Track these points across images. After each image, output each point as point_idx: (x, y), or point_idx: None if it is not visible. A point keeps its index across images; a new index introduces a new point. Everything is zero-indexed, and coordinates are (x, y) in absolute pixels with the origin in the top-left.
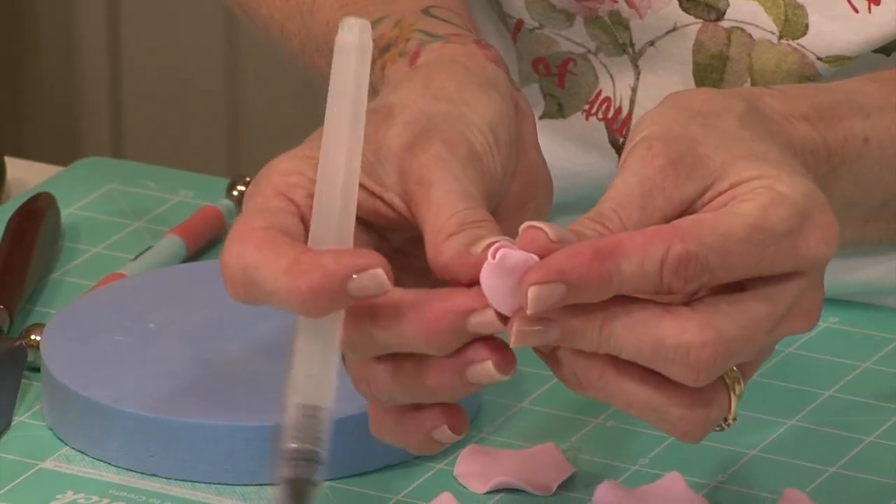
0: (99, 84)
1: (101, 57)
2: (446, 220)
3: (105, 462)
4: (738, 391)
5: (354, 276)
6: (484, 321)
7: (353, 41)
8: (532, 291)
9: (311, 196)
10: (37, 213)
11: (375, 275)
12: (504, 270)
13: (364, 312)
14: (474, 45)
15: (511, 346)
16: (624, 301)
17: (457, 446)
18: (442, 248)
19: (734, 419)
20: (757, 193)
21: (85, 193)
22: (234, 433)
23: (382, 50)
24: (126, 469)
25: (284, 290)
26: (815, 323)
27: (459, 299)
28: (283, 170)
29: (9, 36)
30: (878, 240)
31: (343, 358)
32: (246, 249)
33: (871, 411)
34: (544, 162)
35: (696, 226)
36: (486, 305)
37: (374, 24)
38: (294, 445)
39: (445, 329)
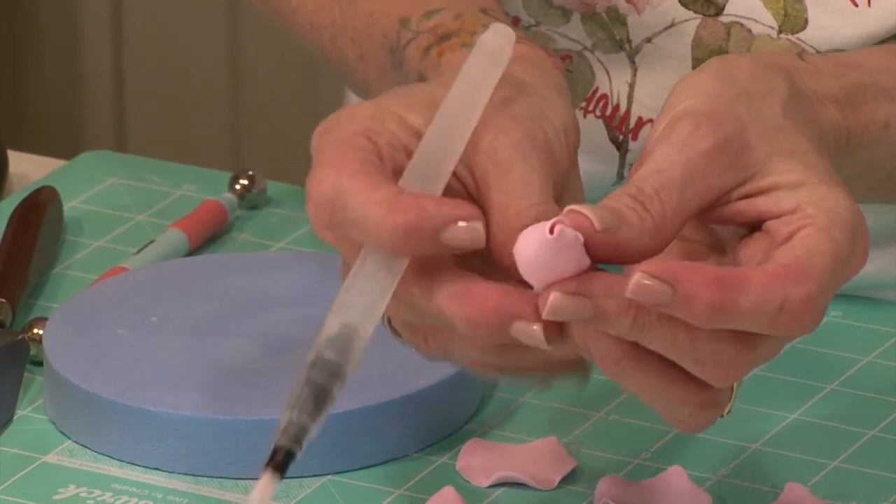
0: (102, 78)
1: (103, 51)
2: (524, 209)
3: (107, 456)
4: (736, 387)
5: (452, 224)
6: (530, 334)
7: (496, 43)
8: (637, 277)
9: (391, 145)
10: (40, 207)
11: (474, 228)
12: (559, 246)
13: (422, 274)
14: (542, 50)
15: (543, 317)
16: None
17: (459, 440)
18: (515, 236)
19: (729, 412)
20: (812, 214)
21: (88, 187)
22: (237, 427)
23: (441, 38)
24: (128, 463)
25: (376, 221)
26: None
27: (510, 302)
28: (367, 115)
29: (12, 30)
30: (875, 201)
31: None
32: (343, 175)
33: (874, 405)
34: (580, 172)
35: (803, 267)
36: (540, 319)
37: (431, 13)
38: (327, 355)
39: (490, 325)
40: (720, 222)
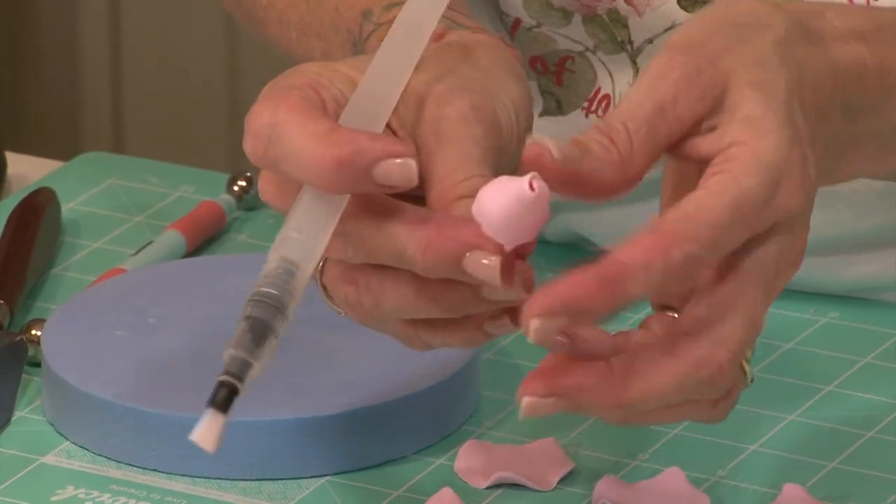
0: (100, 79)
1: (101, 52)
2: (460, 181)
3: (106, 457)
4: (748, 357)
5: (385, 160)
6: (485, 266)
7: None
8: (534, 324)
9: (335, 100)
10: (37, 208)
11: (406, 163)
12: (534, 201)
13: (371, 207)
14: (500, 39)
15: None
16: (627, 365)
17: (456, 442)
18: (451, 207)
19: (752, 379)
20: (731, 159)
21: (86, 188)
22: (235, 428)
23: None
24: (127, 464)
25: (310, 154)
26: (799, 266)
27: (471, 232)
28: (314, 70)
29: (10, 31)
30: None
31: (321, 268)
32: (280, 108)
33: (872, 406)
34: None
35: (685, 222)
36: (498, 252)
37: (392, 5)
38: (264, 289)
39: (446, 252)
40: (685, 157)
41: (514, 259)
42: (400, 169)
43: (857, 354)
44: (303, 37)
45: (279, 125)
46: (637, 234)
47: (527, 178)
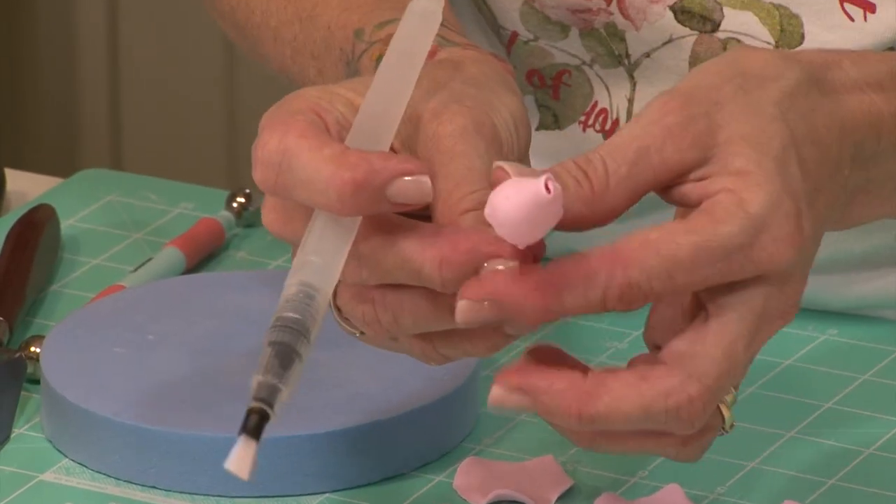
0: (99, 96)
1: (100, 69)
2: (465, 194)
3: (105, 474)
4: (729, 402)
5: (399, 179)
6: (503, 271)
7: (426, 6)
8: (462, 304)
9: (338, 123)
10: (37, 225)
11: (420, 181)
12: (551, 201)
13: (382, 228)
14: (492, 55)
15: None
16: (600, 378)
17: (455, 459)
18: (459, 221)
19: (732, 426)
20: (716, 202)
21: (85, 205)
22: (234, 445)
23: None
24: (126, 481)
25: (324, 178)
26: (792, 318)
27: (484, 241)
28: (314, 94)
29: (9, 49)
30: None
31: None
32: (289, 134)
33: (870, 423)
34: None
35: (639, 249)
36: (515, 256)
37: (384, 24)
38: (287, 314)
39: (462, 265)
40: (676, 202)
41: (530, 260)
42: (414, 186)
43: (856, 372)
44: (297, 55)
45: (289, 152)
46: (592, 249)
47: (542, 178)
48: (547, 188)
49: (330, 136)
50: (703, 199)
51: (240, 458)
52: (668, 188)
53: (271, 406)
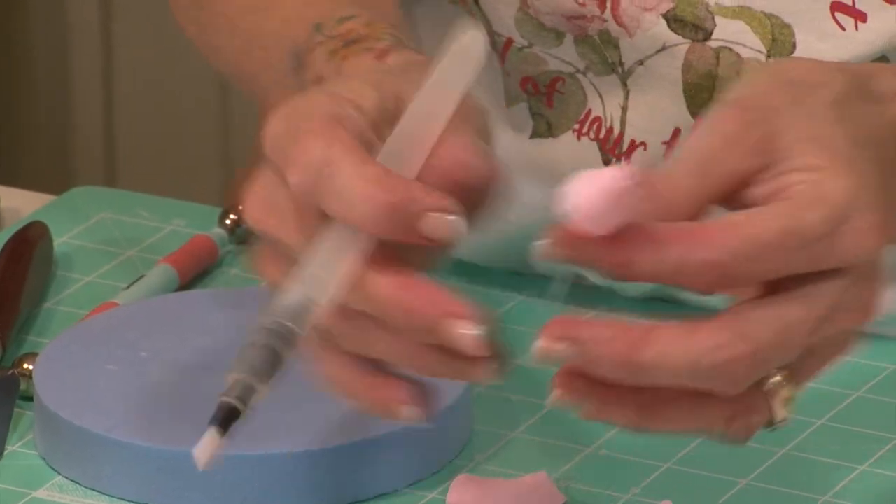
0: (92, 113)
1: (94, 86)
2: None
3: (98, 491)
4: (783, 395)
5: (435, 213)
6: (464, 335)
7: (472, 45)
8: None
9: (357, 132)
10: (29, 242)
11: (455, 221)
12: (632, 191)
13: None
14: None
15: (534, 361)
16: (648, 328)
17: (449, 476)
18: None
19: (783, 421)
20: (798, 191)
21: (78, 222)
22: (227, 462)
23: (348, 42)
24: (119, 498)
25: (361, 194)
26: (872, 317)
27: (454, 304)
28: (325, 101)
29: (2, 66)
30: None
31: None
32: (334, 145)
33: (864, 440)
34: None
35: (725, 229)
36: (473, 327)
37: (343, 19)
38: (280, 319)
39: (424, 317)
40: (743, 208)
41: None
42: (449, 225)
43: (850, 388)
44: (248, 45)
45: (333, 163)
46: (675, 223)
47: (622, 168)
48: (626, 177)
49: (370, 154)
50: (778, 194)
51: (203, 447)
52: (733, 195)
53: (244, 403)
